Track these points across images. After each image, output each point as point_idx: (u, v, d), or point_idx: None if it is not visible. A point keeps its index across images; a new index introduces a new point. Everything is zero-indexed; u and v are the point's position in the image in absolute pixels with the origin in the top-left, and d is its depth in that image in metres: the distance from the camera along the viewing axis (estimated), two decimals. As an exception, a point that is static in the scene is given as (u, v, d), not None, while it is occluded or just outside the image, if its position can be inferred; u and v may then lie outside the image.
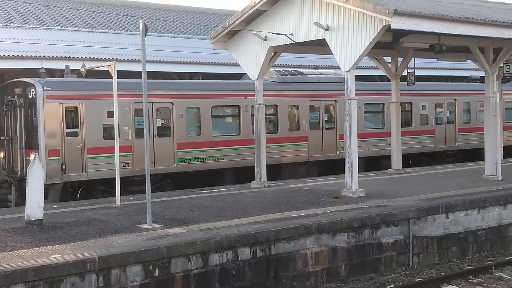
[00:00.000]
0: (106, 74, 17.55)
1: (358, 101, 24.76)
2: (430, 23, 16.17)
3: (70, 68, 20.80)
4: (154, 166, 19.92)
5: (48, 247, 11.10)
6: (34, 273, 9.60)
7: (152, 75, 23.48)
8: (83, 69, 17.66)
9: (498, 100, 20.24)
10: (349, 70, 16.74)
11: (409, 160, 25.94)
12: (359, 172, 17.43)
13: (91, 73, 19.40)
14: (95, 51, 25.65)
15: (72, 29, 31.14)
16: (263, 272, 12.22)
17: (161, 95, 20.70)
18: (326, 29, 17.03)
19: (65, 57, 24.42)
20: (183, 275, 11.19)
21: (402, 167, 22.77)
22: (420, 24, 16.02)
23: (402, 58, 22.52)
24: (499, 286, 13.08)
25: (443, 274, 13.92)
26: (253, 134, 21.99)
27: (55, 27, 30.73)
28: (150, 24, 30.81)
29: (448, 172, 22.49)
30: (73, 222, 13.66)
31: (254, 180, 19.80)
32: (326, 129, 24.64)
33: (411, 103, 27.15)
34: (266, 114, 23.12)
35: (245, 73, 25.72)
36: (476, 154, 28.51)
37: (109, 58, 23.74)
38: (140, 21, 13.39)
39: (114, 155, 16.51)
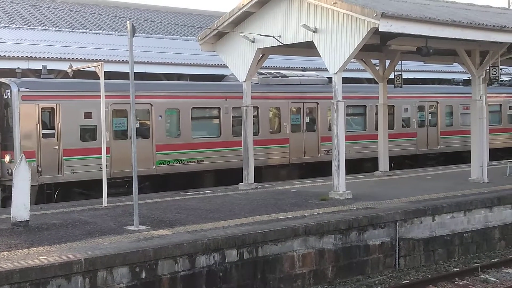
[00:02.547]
0: (90, 74, 17.50)
1: None
2: (417, 26, 16.24)
3: (57, 69, 20.73)
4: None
5: (34, 248, 11.03)
6: (20, 274, 9.53)
7: (140, 76, 23.42)
8: (70, 70, 17.55)
9: (485, 103, 20.33)
10: (336, 73, 16.78)
11: (391, 163, 25.69)
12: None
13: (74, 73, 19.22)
14: (83, 52, 25.56)
15: (60, 29, 31.02)
16: (250, 274, 12.21)
17: (139, 96, 19.99)
18: (314, 31, 17.07)
19: (52, 57, 24.32)
20: (170, 277, 11.16)
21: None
22: (408, 27, 16.09)
23: (389, 60, 22.60)
24: (485, 288, 13.18)
25: (429, 276, 13.98)
26: (234, 136, 22.16)
27: (42, 27, 30.60)
28: (138, 25, 30.74)
29: (435, 175, 22.60)
30: (60, 223, 13.59)
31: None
32: (308, 131, 24.54)
33: (393, 106, 26.94)
34: None
35: (227, 75, 25.67)
36: (458, 157, 28.47)
37: (96, 59, 23.66)
38: (128, 22, 13.36)
39: (92, 157, 16.40)
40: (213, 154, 21.95)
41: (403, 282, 13.49)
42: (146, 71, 26.06)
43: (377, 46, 19.55)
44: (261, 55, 19.46)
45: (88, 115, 19.14)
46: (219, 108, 22.44)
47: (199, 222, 13.46)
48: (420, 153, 28.10)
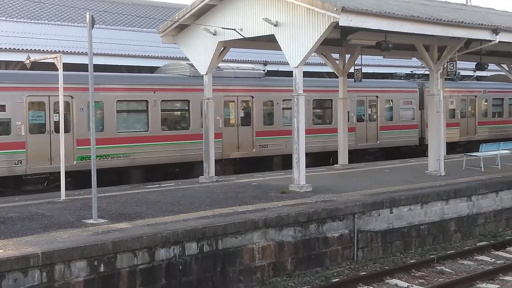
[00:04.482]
0: (51, 66, 17.20)
1: (276, 97, 24.36)
2: (377, 20, 16.43)
3: (15, 60, 20.29)
4: (51, 164, 18.76)
5: (-10, 242, 10.88)
6: (-25, 269, 9.41)
7: (100, 68, 23.14)
8: (28, 61, 17.25)
9: (442, 97, 20.65)
10: (297, 66, 16.87)
11: (330, 157, 25.27)
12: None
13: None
14: (41, 43, 25.17)
15: (18, 20, 30.45)
16: (210, 267, 12.24)
17: (58, 88, 19.27)
18: (275, 25, 17.11)
19: (9, 48, 23.88)
20: (129, 270, 11.11)
21: (322, 165, 22.73)
22: (367, 22, 16.26)
23: (349, 55, 22.78)
24: (441, 279, 13.41)
25: (386, 268, 14.19)
26: (163, 130, 21.60)
27: (0, 18, 30.00)
28: (98, 17, 30.42)
29: (393, 168, 22.92)
30: (17, 217, 13.39)
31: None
32: (242, 125, 23.73)
33: (331, 100, 26.15)
34: (176, 110, 22.40)
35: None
36: (398, 153, 28.24)
37: (55, 50, 23.34)
38: (87, 13, 13.22)
39: (5, 152, 15.88)
40: (140, 149, 20.99)
41: (361, 273, 13.67)
42: (106, 63, 25.78)
43: (337, 40, 19.71)
44: (222, 48, 19.43)
45: (1, 108, 18.18)
46: (147, 101, 21.37)
47: (159, 215, 13.42)
48: (359, 148, 27.39)
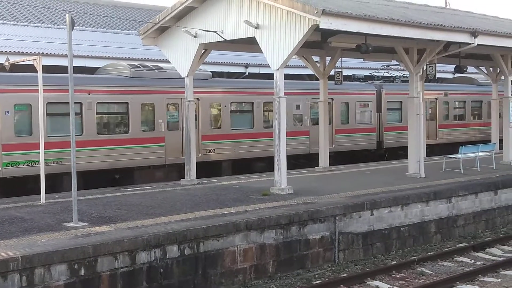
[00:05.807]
0: (28, 68, 17.10)
1: (224, 99, 23.66)
2: (357, 23, 16.52)
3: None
4: None
5: (-31, 246, 10.77)
6: (-47, 273, 9.30)
7: (79, 70, 23.01)
8: (7, 63, 17.11)
9: (422, 100, 20.79)
10: (278, 69, 16.91)
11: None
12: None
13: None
14: (21, 45, 24.98)
15: (-4, 21, 30.21)
16: (192, 269, 12.22)
17: None
18: (256, 28, 17.14)
19: (-12, 50, 23.67)
20: (110, 274, 11.06)
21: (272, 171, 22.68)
22: (348, 25, 16.34)
23: (330, 57, 22.86)
24: (421, 280, 13.49)
25: (367, 269, 14.25)
26: (98, 134, 20.72)
27: (-22, 19, 29.76)
28: (78, 18, 30.21)
29: (374, 170, 23.04)
30: (-4, 220, 13.29)
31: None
32: None
33: None
34: (114, 113, 21.51)
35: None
36: (355, 157, 27.56)
37: (35, 52, 23.15)
38: (67, 14, 13.15)
39: None
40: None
41: (342, 275, 13.72)
42: (86, 65, 25.63)
43: (318, 43, 19.78)
44: (203, 50, 19.42)
45: None
46: (81, 104, 20.09)
47: (140, 218, 13.37)
48: (313, 152, 25.39)
